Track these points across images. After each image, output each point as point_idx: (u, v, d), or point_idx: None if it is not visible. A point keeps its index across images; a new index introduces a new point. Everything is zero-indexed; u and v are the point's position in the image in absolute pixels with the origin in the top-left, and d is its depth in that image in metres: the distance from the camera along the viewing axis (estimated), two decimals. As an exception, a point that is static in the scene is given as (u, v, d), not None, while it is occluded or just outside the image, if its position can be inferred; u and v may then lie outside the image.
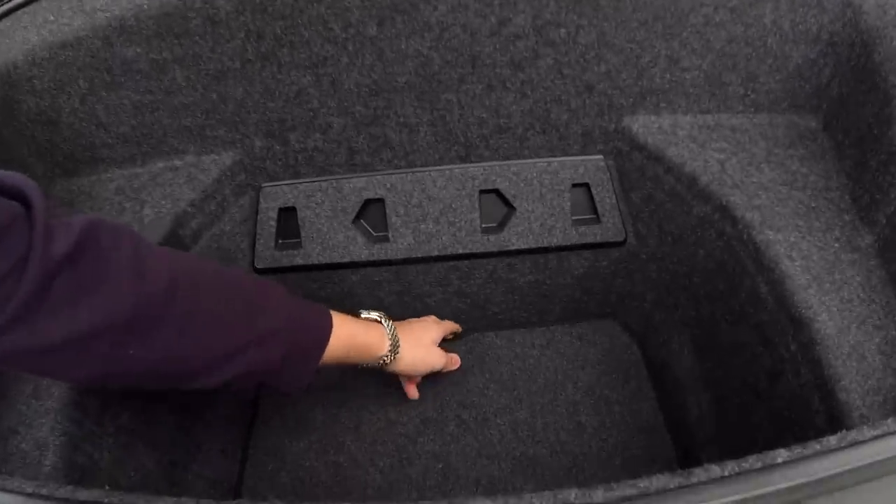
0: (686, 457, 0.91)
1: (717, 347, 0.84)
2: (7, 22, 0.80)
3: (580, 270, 0.98)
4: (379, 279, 0.97)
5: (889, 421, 0.43)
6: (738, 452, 0.78)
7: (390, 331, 0.79)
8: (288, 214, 0.95)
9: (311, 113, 0.86)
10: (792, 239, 0.71)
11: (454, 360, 0.98)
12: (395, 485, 0.92)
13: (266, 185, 0.95)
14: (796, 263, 0.69)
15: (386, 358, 0.78)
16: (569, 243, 0.94)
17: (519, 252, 0.95)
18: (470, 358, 1.05)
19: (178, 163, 0.91)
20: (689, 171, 0.82)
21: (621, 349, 1.06)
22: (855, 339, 0.63)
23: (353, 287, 0.98)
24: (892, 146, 0.68)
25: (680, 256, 0.89)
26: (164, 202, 0.84)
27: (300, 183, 0.94)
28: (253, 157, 0.91)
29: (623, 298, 1.04)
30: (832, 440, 0.43)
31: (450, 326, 0.98)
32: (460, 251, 0.94)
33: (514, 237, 0.94)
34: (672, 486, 0.40)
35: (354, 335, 0.73)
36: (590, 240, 0.93)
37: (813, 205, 0.76)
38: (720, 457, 0.82)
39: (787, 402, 0.68)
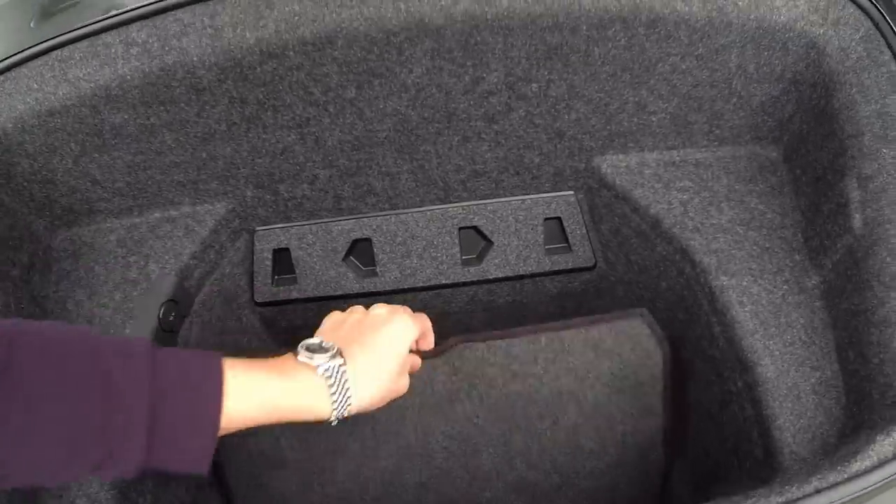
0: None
1: (680, 371, 0.92)
2: None
3: (554, 291, 1.06)
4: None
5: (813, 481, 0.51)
6: (693, 471, 0.88)
7: (335, 381, 0.58)
8: (282, 254, 1.01)
9: (298, 167, 0.91)
10: (744, 283, 0.79)
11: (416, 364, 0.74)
12: None
13: (259, 228, 1.00)
14: (746, 309, 0.77)
15: (332, 419, 0.58)
16: (542, 270, 1.01)
17: (496, 280, 1.02)
18: (454, 378, 0.93)
19: (174, 213, 0.96)
20: (653, 212, 0.88)
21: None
22: (793, 380, 0.71)
23: None
24: (842, 197, 0.75)
25: (645, 283, 0.96)
26: (167, 256, 0.90)
27: (292, 226, 1.00)
28: (245, 206, 0.97)
29: (593, 314, 1.11)
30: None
31: (422, 325, 0.70)
32: (443, 282, 1.01)
33: (493, 267, 1.01)
34: None
35: (273, 400, 0.55)
36: (562, 267, 1.01)
37: (767, 245, 0.83)
38: (679, 472, 0.91)
39: (733, 430, 0.77)
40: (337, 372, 0.57)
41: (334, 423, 0.59)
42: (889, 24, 0.77)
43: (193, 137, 0.86)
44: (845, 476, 0.51)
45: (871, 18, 0.78)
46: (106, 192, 0.92)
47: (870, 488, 0.50)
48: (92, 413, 0.44)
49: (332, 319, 0.65)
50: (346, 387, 0.58)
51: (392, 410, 0.87)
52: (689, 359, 0.90)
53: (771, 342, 0.74)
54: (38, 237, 0.91)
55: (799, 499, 0.50)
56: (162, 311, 0.86)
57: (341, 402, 0.57)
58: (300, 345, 0.60)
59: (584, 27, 0.77)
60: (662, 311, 0.94)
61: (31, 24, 0.91)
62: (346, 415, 0.59)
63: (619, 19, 0.77)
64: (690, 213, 0.88)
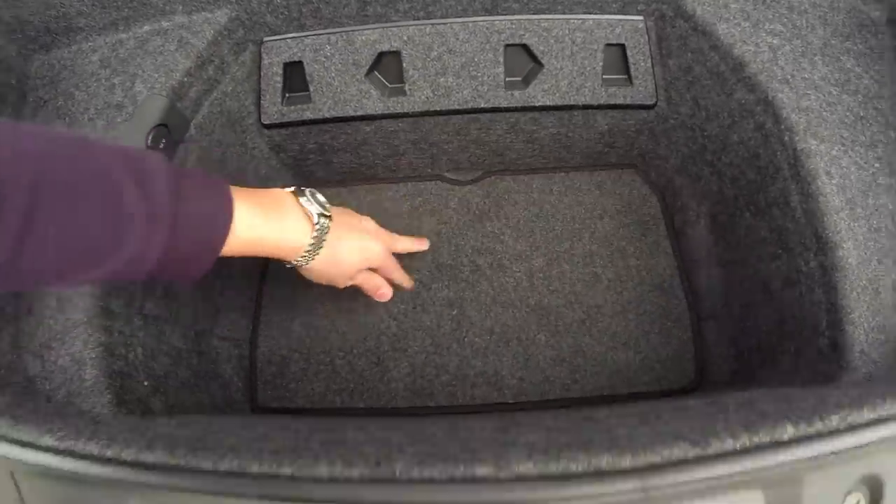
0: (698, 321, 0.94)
1: (735, 232, 0.84)
2: None
3: (605, 126, 0.94)
4: (394, 129, 0.93)
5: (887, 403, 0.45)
6: (735, 342, 0.82)
7: (319, 236, 0.65)
8: (294, 69, 0.87)
9: None
10: (834, 152, 0.67)
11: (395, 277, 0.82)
12: (409, 332, 0.95)
13: (268, 39, 0.85)
14: (834, 181, 0.66)
15: (292, 263, 0.67)
16: (597, 103, 0.88)
17: (543, 107, 0.89)
18: (487, 202, 1.03)
19: (165, 24, 0.80)
20: (737, 53, 0.73)
21: (640, 201, 1.03)
22: (874, 272, 0.64)
23: (367, 137, 0.94)
24: None
25: (711, 132, 0.84)
26: (156, 75, 0.76)
27: (306, 36, 0.85)
28: (251, 12, 0.81)
29: (645, 155, 1.01)
30: (834, 420, 0.43)
31: (387, 263, 0.79)
32: (482, 105, 0.88)
33: (540, 94, 0.88)
34: (684, 458, 0.41)
35: (263, 236, 0.60)
36: (618, 101, 0.87)
37: (861, 114, 0.70)
38: (717, 334, 0.87)
39: (794, 312, 0.71)
40: (323, 229, 0.64)
41: (288, 266, 0.67)
42: None
43: None
44: None
45: None
46: (85, 4, 0.76)
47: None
48: (122, 208, 0.47)
49: (336, 209, 0.69)
50: (321, 245, 0.65)
51: (430, 228, 1.02)
52: (745, 225, 0.81)
53: (856, 224, 0.65)
54: (9, 65, 0.77)
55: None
56: (150, 138, 0.73)
57: (310, 255, 0.65)
58: (309, 190, 0.65)
59: None
60: (727, 167, 0.83)
61: None
62: (301, 265, 0.67)
63: None
64: (780, 62, 0.73)
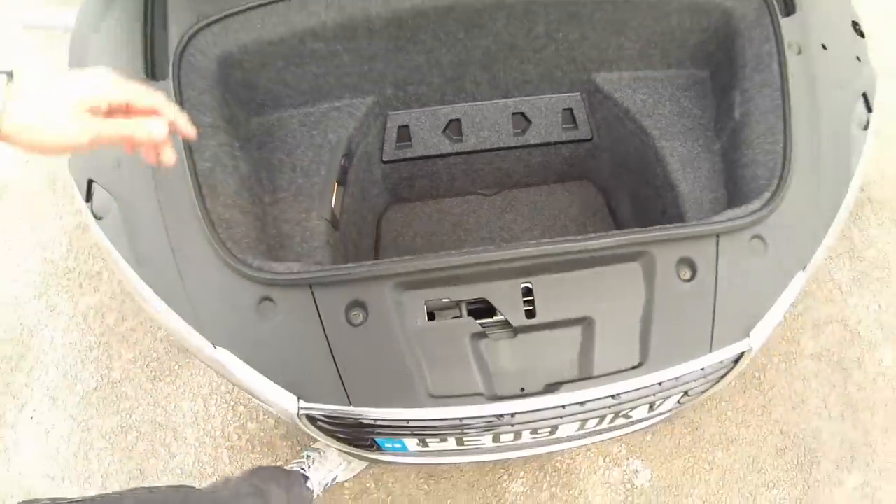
0: None
1: (638, 196, 1.62)
2: (221, 25, 1.35)
3: (566, 154, 1.73)
4: (455, 163, 1.73)
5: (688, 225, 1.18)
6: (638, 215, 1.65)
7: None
8: (403, 129, 1.66)
9: (421, 76, 1.54)
10: (675, 145, 1.46)
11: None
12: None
13: (392, 112, 1.65)
14: (675, 157, 1.45)
15: None
16: (560, 140, 1.67)
17: (533, 145, 1.68)
18: (504, 204, 1.87)
19: (338, 104, 1.58)
20: (626, 106, 1.55)
21: (592, 197, 1.87)
22: (699, 194, 1.41)
23: (439, 168, 1.74)
24: (731, 101, 1.41)
25: (620, 150, 1.64)
26: (340, 130, 1.53)
27: (412, 111, 1.64)
28: (385, 99, 1.60)
29: (591, 169, 1.80)
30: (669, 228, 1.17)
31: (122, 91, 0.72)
32: (501, 145, 1.67)
33: (531, 137, 1.69)
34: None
35: None
36: (572, 138, 1.68)
37: (690, 126, 1.50)
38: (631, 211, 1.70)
39: (661, 211, 1.48)
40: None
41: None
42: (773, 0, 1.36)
43: (362, 58, 1.47)
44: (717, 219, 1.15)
45: None
46: (292, 91, 1.52)
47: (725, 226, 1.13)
48: None
49: None
50: (12, 98, 0.63)
51: (473, 220, 1.78)
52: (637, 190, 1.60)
53: (687, 175, 1.43)
54: (239, 121, 1.47)
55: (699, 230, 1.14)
56: (342, 161, 1.51)
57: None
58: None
59: (590, 2, 1.40)
60: (630, 166, 1.62)
61: None
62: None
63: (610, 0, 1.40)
64: (647, 107, 1.54)
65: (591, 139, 1.72)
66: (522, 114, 1.70)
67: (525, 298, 1.10)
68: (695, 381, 1.18)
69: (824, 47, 1.33)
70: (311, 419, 1.14)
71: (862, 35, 1.42)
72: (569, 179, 1.92)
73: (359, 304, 1.09)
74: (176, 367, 2.17)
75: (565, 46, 1.53)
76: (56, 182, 2.76)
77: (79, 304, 2.37)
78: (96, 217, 1.24)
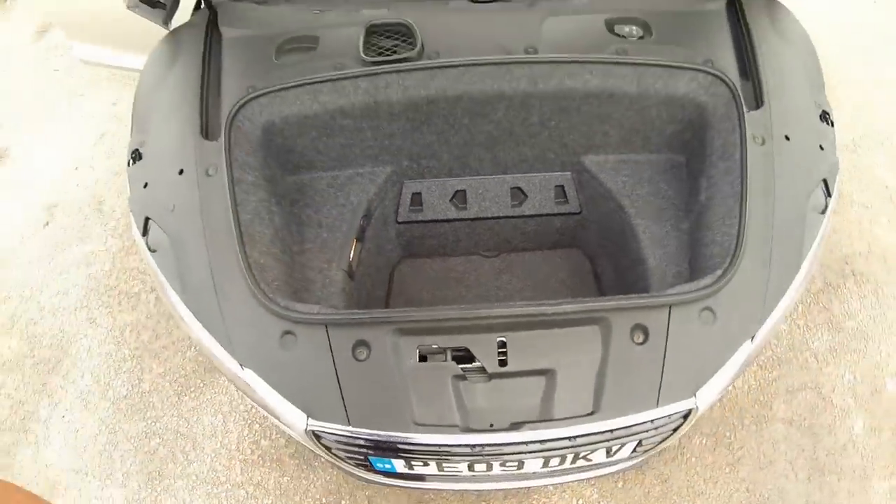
0: None
1: (619, 266, 1.83)
2: (268, 98, 1.62)
3: (559, 224, 1.95)
4: (460, 227, 1.96)
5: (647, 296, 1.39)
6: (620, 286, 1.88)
7: None
8: (416, 196, 1.91)
9: (433, 152, 1.79)
10: (649, 223, 1.68)
11: None
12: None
13: (407, 181, 1.90)
14: (646, 236, 1.66)
15: None
16: (552, 212, 1.90)
17: (528, 216, 1.90)
18: (502, 266, 2.07)
19: (361, 170, 1.84)
20: (609, 186, 1.77)
21: (580, 264, 2.07)
22: (664, 268, 1.61)
23: (447, 231, 1.96)
24: (698, 185, 1.62)
25: (604, 224, 1.85)
26: (361, 194, 1.79)
27: (424, 181, 1.88)
28: (401, 169, 1.85)
29: (580, 240, 2.02)
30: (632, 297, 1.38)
31: None
32: (500, 215, 1.90)
33: (527, 209, 1.90)
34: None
35: None
36: (563, 211, 1.90)
37: (663, 207, 1.71)
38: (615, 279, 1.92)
39: (633, 283, 1.68)
40: None
41: None
42: (738, 95, 1.55)
43: (383, 134, 1.73)
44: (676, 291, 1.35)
45: (731, 92, 1.58)
46: (323, 157, 1.78)
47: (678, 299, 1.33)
48: None
49: None
50: None
51: (474, 277, 2.07)
52: (618, 261, 1.81)
53: (657, 251, 1.64)
54: (277, 179, 1.75)
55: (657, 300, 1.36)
56: (361, 222, 1.75)
57: None
58: None
59: (578, 97, 1.63)
60: (611, 238, 1.83)
61: (274, 59, 1.70)
62: None
63: (595, 94, 1.64)
64: (627, 188, 1.76)
65: (579, 213, 1.94)
66: (520, 188, 1.94)
67: (500, 350, 1.31)
68: (646, 432, 1.37)
69: (787, 138, 1.51)
70: (317, 436, 1.36)
71: (830, 124, 1.58)
72: (561, 247, 2.14)
73: (364, 344, 1.33)
74: (201, 385, 2.40)
75: (557, 133, 1.77)
76: (103, 205, 3.06)
77: (117, 319, 2.63)
78: (151, 249, 1.49)
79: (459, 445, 1.30)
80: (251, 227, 1.50)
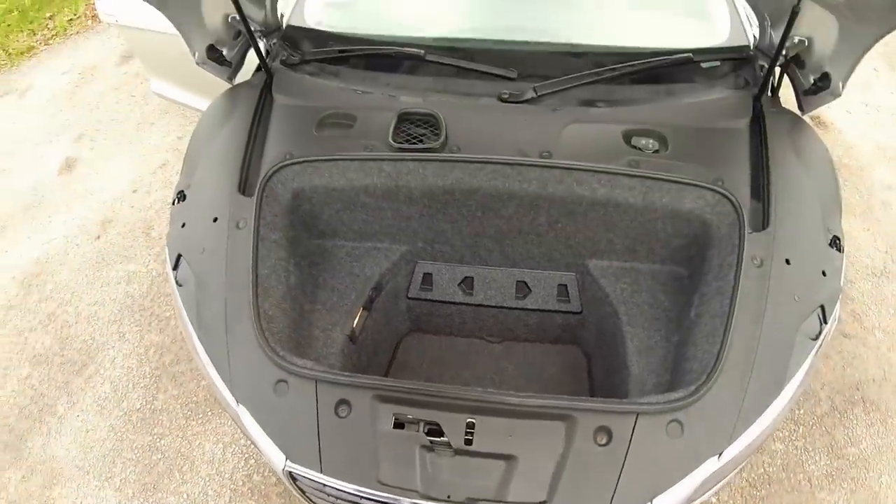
0: None
1: (610, 368, 1.87)
2: (301, 167, 1.77)
3: (560, 321, 2.03)
4: (465, 311, 2.05)
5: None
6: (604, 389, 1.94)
7: None
8: (427, 276, 2.02)
9: (446, 237, 1.91)
10: (639, 331, 1.74)
11: None
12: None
13: (419, 262, 2.02)
14: (635, 343, 1.72)
15: None
16: (554, 309, 1.98)
17: (531, 310, 1.99)
18: (503, 351, 2.13)
19: (379, 245, 1.97)
20: (608, 290, 1.84)
21: (578, 360, 2.13)
22: (644, 377, 1.66)
23: (452, 312, 2.06)
24: (692, 300, 1.66)
25: (601, 326, 1.92)
26: (375, 267, 1.91)
27: (435, 264, 2.01)
28: (416, 249, 1.98)
29: (580, 339, 2.09)
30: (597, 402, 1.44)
31: None
32: (504, 305, 1.99)
33: (530, 303, 1.99)
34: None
35: None
36: (564, 309, 1.98)
37: (657, 316, 1.77)
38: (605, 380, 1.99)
39: (616, 387, 1.73)
40: None
41: None
42: (742, 216, 1.58)
43: (401, 216, 1.86)
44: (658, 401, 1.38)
45: (736, 211, 1.61)
46: (345, 228, 1.92)
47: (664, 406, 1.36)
48: None
49: None
50: None
51: (475, 359, 2.19)
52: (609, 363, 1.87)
53: (642, 360, 1.69)
54: (300, 241, 1.87)
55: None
56: (370, 293, 1.88)
57: None
58: None
59: (585, 204, 1.73)
60: (603, 338, 1.90)
61: (314, 131, 1.86)
62: None
63: (601, 202, 1.73)
64: (625, 295, 1.83)
65: (580, 312, 2.02)
66: (525, 282, 2.02)
67: (468, 430, 1.38)
68: None
69: (788, 262, 1.51)
70: (293, 478, 1.45)
71: (839, 250, 1.57)
72: (562, 342, 2.18)
73: (346, 403, 1.44)
74: (209, 413, 2.53)
75: (563, 235, 1.85)
76: (151, 230, 3.28)
77: (144, 337, 2.81)
78: (178, 284, 1.65)
79: (415, 510, 1.37)
80: (267, 281, 1.64)
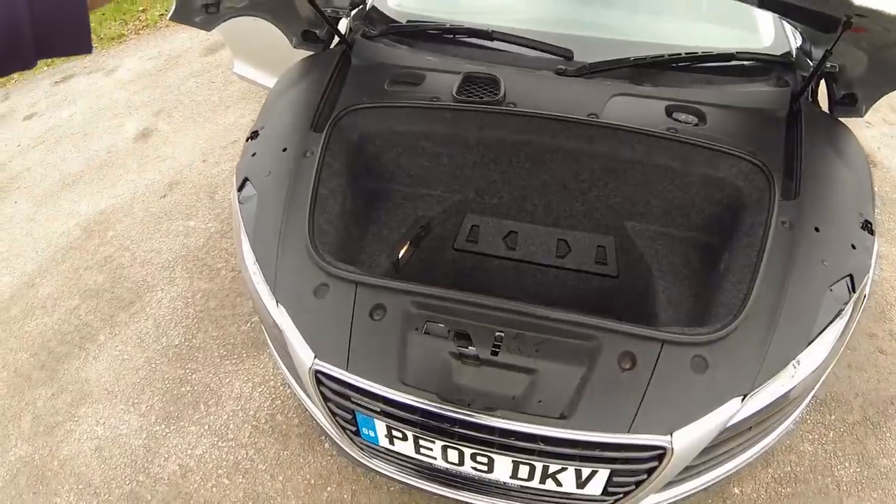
0: None
1: (637, 318, 1.90)
2: (368, 111, 1.91)
3: (595, 285, 2.07)
4: (506, 268, 2.11)
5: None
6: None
7: None
8: (474, 227, 2.11)
9: (496, 189, 2.01)
10: (669, 285, 1.78)
11: None
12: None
13: (469, 214, 2.11)
14: (664, 295, 1.76)
15: None
16: (592, 271, 2.04)
17: (569, 269, 2.05)
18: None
19: (433, 192, 2.08)
20: (643, 250, 1.90)
21: None
22: (672, 325, 1.70)
23: (494, 273, 2.12)
24: (722, 263, 1.71)
25: (635, 286, 1.97)
26: (428, 211, 2.01)
27: (483, 217, 2.10)
28: (466, 199, 2.08)
29: (616, 308, 2.11)
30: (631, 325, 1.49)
31: None
32: (543, 262, 2.05)
33: (569, 263, 2.05)
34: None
35: None
36: (601, 272, 2.03)
37: (688, 276, 1.81)
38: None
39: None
40: None
41: None
42: (774, 184, 1.63)
43: (457, 164, 1.97)
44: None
45: (768, 180, 1.66)
46: (402, 172, 2.04)
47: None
48: None
49: None
50: None
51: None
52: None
53: (669, 310, 1.73)
54: (362, 181, 2.00)
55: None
56: (419, 230, 1.97)
57: None
58: None
59: (625, 162, 1.82)
60: (633, 300, 1.94)
61: (385, 86, 2.00)
62: None
63: (641, 162, 1.82)
64: (659, 255, 1.88)
65: (616, 276, 2.07)
66: (565, 241, 2.09)
67: (495, 342, 1.44)
68: (616, 462, 1.39)
69: (817, 229, 1.54)
70: (318, 381, 1.52)
71: (871, 233, 1.59)
72: (597, 313, 2.18)
73: (382, 307, 1.51)
74: (244, 355, 2.63)
75: (604, 194, 1.94)
76: (215, 193, 3.47)
77: (194, 283, 2.95)
78: (240, 202, 1.77)
79: (434, 415, 1.41)
80: (325, 201, 1.76)
